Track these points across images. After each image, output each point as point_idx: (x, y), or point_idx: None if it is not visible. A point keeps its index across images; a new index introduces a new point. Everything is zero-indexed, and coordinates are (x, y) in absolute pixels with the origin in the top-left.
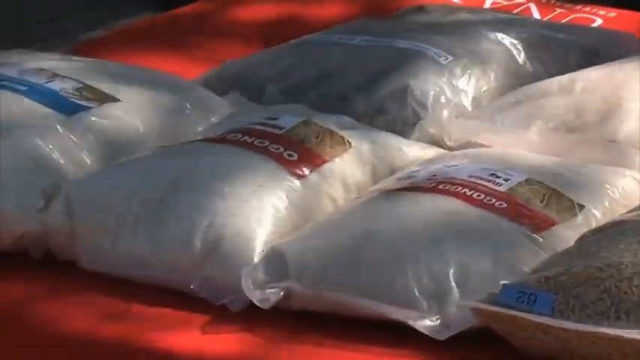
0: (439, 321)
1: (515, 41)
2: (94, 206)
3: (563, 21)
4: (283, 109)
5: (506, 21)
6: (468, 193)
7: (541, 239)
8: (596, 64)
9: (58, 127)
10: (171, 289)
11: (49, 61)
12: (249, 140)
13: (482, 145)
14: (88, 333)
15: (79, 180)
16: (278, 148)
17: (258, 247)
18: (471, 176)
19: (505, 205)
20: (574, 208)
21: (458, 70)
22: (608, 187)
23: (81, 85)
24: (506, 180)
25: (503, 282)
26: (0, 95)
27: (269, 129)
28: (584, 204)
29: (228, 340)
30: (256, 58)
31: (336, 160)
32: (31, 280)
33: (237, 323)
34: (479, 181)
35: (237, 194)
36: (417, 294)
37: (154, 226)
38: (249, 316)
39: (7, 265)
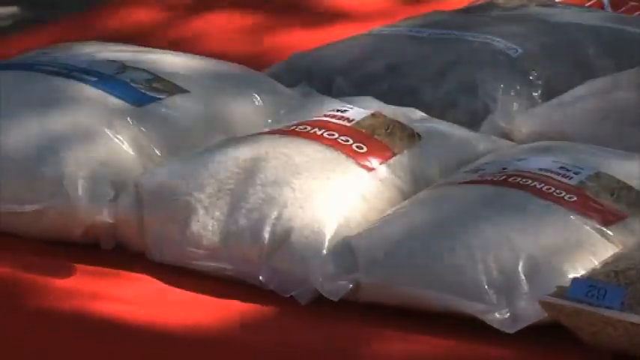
0: (508, 314)
1: (585, 34)
2: (163, 197)
3: (635, 15)
4: (353, 101)
5: (578, 14)
6: (538, 187)
7: (611, 233)
8: None
9: (128, 118)
10: (239, 281)
11: (119, 53)
12: (319, 132)
13: (552, 138)
14: (155, 324)
15: (149, 171)
16: (347, 141)
17: (327, 240)
18: (541, 169)
19: (575, 198)
20: None
21: (528, 63)
22: None
23: (151, 77)
24: (576, 173)
25: (573, 276)
26: (70, 86)
27: (338, 121)
28: None
29: (296, 331)
30: (326, 50)
31: (406, 152)
32: (101, 270)
33: (306, 315)
34: (549, 175)
35: (306, 186)
36: (486, 287)
37: (223, 217)
38: (318, 308)
39: (77, 256)
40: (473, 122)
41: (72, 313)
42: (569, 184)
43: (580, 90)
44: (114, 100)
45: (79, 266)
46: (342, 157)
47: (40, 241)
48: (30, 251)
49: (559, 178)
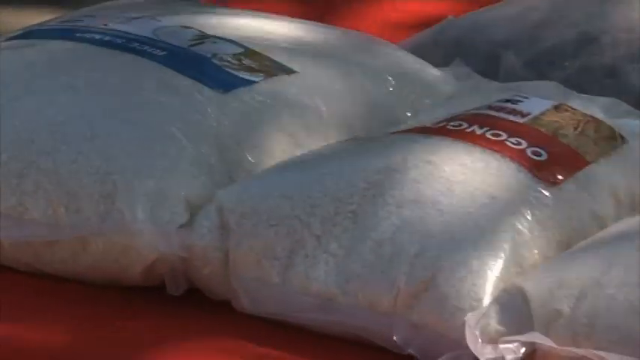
0: None
1: None
2: (257, 223)
3: None
4: (528, 88)
5: None
6: None
7: None
8: None
9: (209, 109)
10: (364, 342)
11: (196, 16)
12: (479, 132)
13: None
14: None
15: (237, 185)
16: (519, 144)
17: (490, 285)
18: None
19: None
20: None
21: None
22: None
23: (241, 50)
24: None
25: None
26: (127, 63)
27: (508, 116)
28: None
29: None
30: (488, 15)
31: (602, 161)
32: (168, 325)
33: None
34: None
35: (461, 209)
36: None
37: (341, 251)
38: None
39: (135, 304)
40: None
41: None
42: None
43: None
44: (188, 83)
45: (138, 319)
46: (513, 166)
47: (81, 284)
48: (68, 297)
49: None
